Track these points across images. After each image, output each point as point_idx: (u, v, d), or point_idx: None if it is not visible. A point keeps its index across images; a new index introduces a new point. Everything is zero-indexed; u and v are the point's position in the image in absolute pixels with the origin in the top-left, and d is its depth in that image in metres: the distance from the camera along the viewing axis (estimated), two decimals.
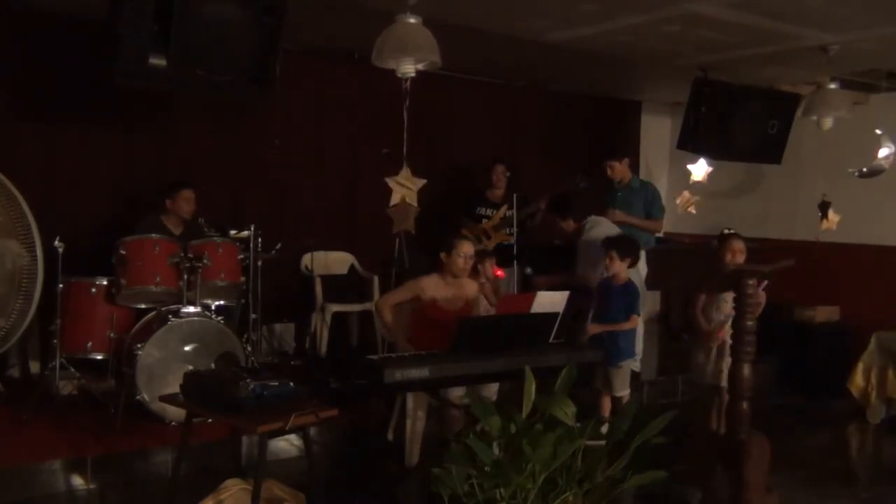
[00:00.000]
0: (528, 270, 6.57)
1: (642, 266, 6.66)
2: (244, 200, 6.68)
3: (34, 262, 5.10)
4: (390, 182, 4.05)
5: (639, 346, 6.88)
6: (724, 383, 5.23)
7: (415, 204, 4.04)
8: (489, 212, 7.02)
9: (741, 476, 3.93)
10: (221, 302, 5.64)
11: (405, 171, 4.06)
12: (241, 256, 5.62)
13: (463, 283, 4.97)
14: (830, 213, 6.48)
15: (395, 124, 4.48)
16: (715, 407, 5.34)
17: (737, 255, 5.24)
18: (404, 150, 4.22)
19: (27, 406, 5.11)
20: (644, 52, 6.25)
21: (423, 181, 4.08)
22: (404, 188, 4.02)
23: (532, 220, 6.98)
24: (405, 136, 4.18)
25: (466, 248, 4.88)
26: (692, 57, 6.30)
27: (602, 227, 5.84)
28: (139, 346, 4.91)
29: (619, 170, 6.81)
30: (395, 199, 4.03)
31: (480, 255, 5.59)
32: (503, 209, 6.90)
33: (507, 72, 7.65)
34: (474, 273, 5.24)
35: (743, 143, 6.75)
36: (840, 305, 7.54)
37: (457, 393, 4.60)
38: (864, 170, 6.68)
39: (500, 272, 5.56)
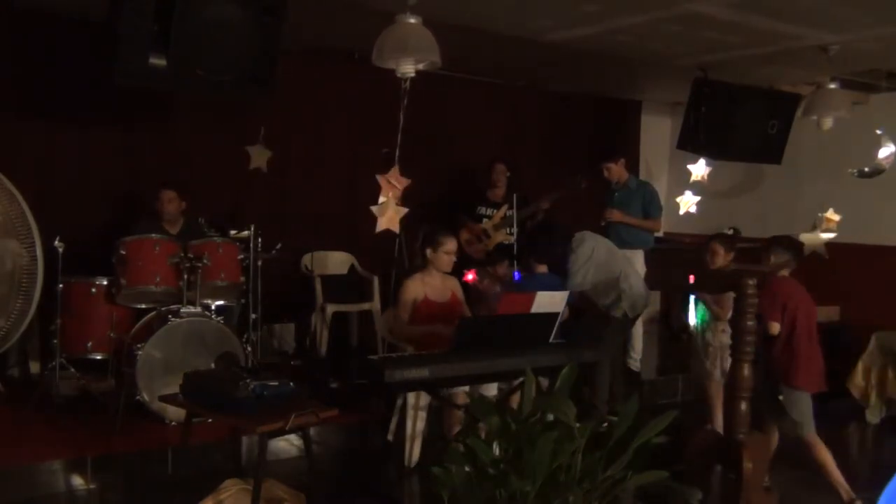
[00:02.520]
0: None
1: (640, 266, 6.68)
2: (244, 200, 6.68)
3: (34, 262, 5.10)
4: (381, 180, 4.05)
5: (638, 345, 6.90)
6: (715, 380, 5.23)
7: (398, 203, 4.04)
8: (489, 211, 7.02)
9: (741, 476, 3.93)
10: (221, 302, 5.64)
11: (394, 171, 4.06)
12: (241, 256, 5.61)
13: (445, 276, 5.01)
14: (829, 213, 6.45)
15: (395, 124, 4.49)
16: (711, 406, 5.33)
17: (714, 257, 5.25)
18: (397, 149, 4.23)
19: (27, 406, 5.11)
20: (644, 52, 6.25)
21: (408, 181, 4.08)
22: (392, 187, 4.02)
23: (532, 221, 6.98)
24: (399, 135, 4.19)
25: (451, 245, 4.91)
26: (692, 57, 6.30)
27: (588, 242, 5.83)
28: (139, 346, 4.91)
29: (615, 171, 6.83)
30: (382, 197, 4.04)
31: (490, 258, 5.60)
32: (503, 209, 6.90)
33: (507, 72, 7.65)
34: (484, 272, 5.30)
35: (743, 143, 6.75)
36: (840, 305, 7.54)
37: (461, 392, 4.60)
38: (864, 170, 6.67)
39: (470, 277, 5.58)
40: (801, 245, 4.95)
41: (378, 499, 4.60)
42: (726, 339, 5.11)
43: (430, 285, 4.93)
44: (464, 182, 7.60)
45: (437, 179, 7.34)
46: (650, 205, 6.76)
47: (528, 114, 8.31)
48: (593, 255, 5.54)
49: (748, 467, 3.94)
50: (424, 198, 7.00)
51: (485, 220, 7.00)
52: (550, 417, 2.97)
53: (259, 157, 6.37)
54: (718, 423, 5.16)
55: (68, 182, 6.10)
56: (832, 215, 6.33)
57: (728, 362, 5.01)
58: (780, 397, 4.49)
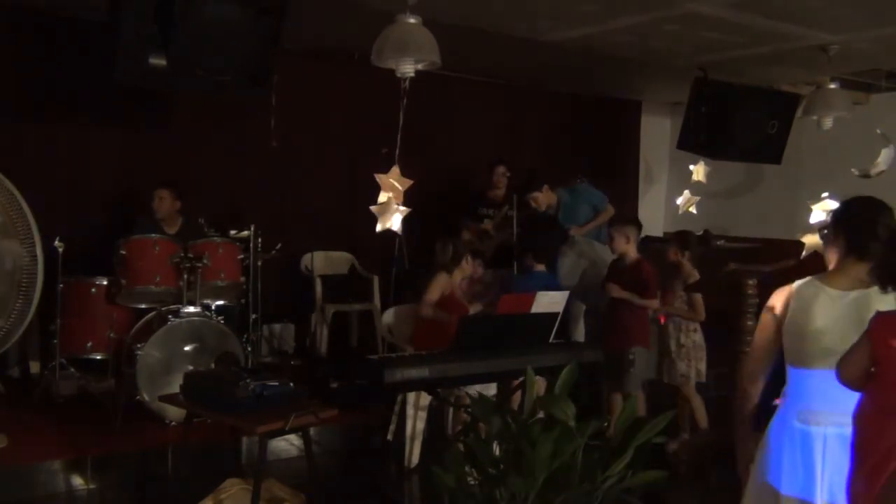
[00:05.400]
0: None
1: None
2: (244, 200, 6.67)
3: (34, 262, 5.09)
4: (380, 180, 4.05)
5: None
6: (691, 382, 5.21)
7: (399, 204, 4.04)
8: (491, 212, 7.00)
9: (741, 476, 3.92)
10: (221, 302, 5.64)
11: (394, 170, 4.06)
12: (241, 256, 5.62)
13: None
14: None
15: (395, 124, 4.48)
16: (693, 407, 5.27)
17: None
18: (397, 149, 4.23)
19: (27, 406, 5.11)
20: (644, 52, 6.24)
21: (410, 182, 4.08)
22: (393, 187, 4.02)
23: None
24: (399, 135, 4.18)
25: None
26: (692, 57, 6.30)
27: (577, 247, 5.95)
28: (139, 346, 4.91)
29: (542, 199, 6.51)
30: (381, 197, 4.03)
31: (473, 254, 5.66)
32: (504, 209, 6.88)
33: (507, 72, 7.65)
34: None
35: (743, 143, 6.75)
36: None
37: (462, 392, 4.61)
38: (865, 170, 6.67)
39: None
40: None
41: (378, 499, 4.60)
42: (699, 338, 5.13)
43: (455, 284, 5.23)
44: (464, 182, 7.59)
45: (436, 179, 7.33)
46: (591, 199, 6.56)
47: (528, 114, 8.31)
48: (580, 259, 5.86)
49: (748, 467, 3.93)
50: (424, 198, 6.99)
51: (486, 220, 6.98)
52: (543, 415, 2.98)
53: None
54: (703, 423, 5.14)
55: (68, 182, 6.10)
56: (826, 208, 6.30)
57: (703, 363, 5.04)
58: (631, 356, 5.05)
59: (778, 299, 2.76)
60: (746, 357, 2.93)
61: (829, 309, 2.65)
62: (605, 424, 3.08)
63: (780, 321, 2.75)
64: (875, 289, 2.60)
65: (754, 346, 2.89)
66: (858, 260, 2.65)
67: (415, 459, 4.79)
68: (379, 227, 4.05)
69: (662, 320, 5.31)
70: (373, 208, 4.05)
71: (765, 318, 2.82)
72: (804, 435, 2.69)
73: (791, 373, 2.76)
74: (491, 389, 4.77)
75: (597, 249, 5.99)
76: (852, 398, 2.51)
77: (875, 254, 2.61)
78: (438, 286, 5.16)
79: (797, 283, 2.75)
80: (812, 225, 5.94)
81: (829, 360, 2.55)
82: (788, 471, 2.73)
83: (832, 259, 2.75)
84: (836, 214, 2.88)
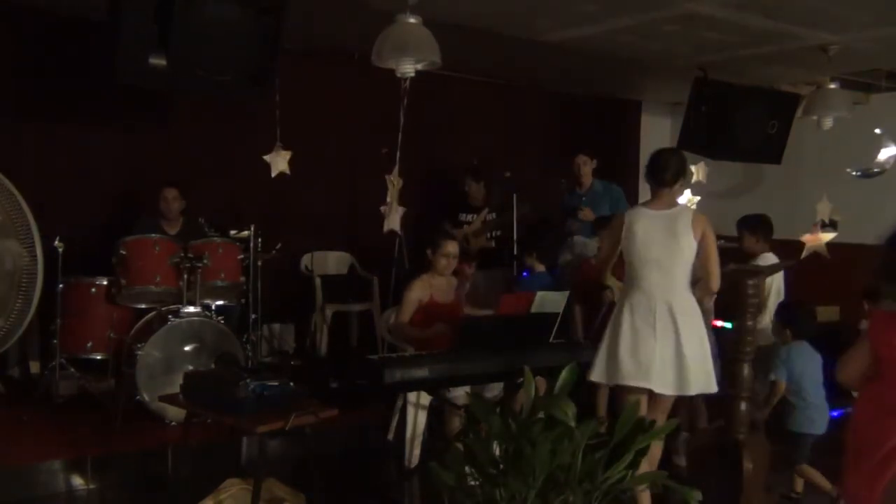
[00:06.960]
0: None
1: None
2: (244, 200, 6.67)
3: (34, 262, 5.09)
4: (388, 180, 4.08)
5: None
6: None
7: (396, 203, 4.07)
8: (471, 217, 6.91)
9: (741, 476, 3.93)
10: (221, 302, 5.64)
11: (395, 171, 4.09)
12: (241, 256, 5.62)
13: (449, 276, 5.09)
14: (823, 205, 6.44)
15: (395, 124, 4.48)
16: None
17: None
18: (398, 149, 4.23)
19: (27, 406, 5.11)
20: (644, 52, 6.25)
21: (401, 181, 4.10)
22: (395, 187, 4.06)
23: (527, 220, 6.90)
24: (399, 135, 4.19)
25: (448, 248, 4.97)
26: (692, 57, 6.30)
27: (577, 246, 5.99)
28: (139, 346, 4.91)
29: (586, 170, 6.55)
30: (388, 197, 4.07)
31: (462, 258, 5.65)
32: (483, 214, 6.82)
33: (507, 72, 7.65)
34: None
35: (743, 143, 6.75)
36: (840, 305, 7.52)
37: (460, 392, 4.60)
38: (864, 170, 6.67)
39: None
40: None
41: (378, 499, 4.61)
42: None
43: (436, 286, 4.97)
44: (464, 182, 7.57)
45: (436, 180, 7.34)
46: (618, 203, 6.60)
47: (529, 114, 8.30)
48: (574, 260, 5.94)
49: (748, 467, 3.93)
50: (425, 198, 6.99)
51: (465, 226, 6.88)
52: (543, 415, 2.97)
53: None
54: (702, 423, 5.11)
55: (68, 182, 6.09)
56: (826, 208, 6.31)
57: None
58: None
59: (616, 226, 3.99)
60: (598, 262, 4.46)
61: (651, 224, 3.87)
62: (606, 425, 3.08)
63: (617, 239, 3.94)
64: (682, 206, 4.00)
65: (603, 259, 4.26)
66: (661, 187, 3.94)
67: (415, 459, 4.79)
68: (385, 228, 4.07)
69: None
70: (382, 209, 4.07)
71: (607, 239, 4.16)
72: (637, 322, 3.76)
73: (634, 273, 3.85)
74: (496, 389, 4.78)
75: (595, 251, 6.01)
76: (674, 283, 3.79)
77: (670, 182, 3.92)
78: (413, 298, 4.88)
79: (626, 212, 4.04)
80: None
81: (655, 261, 3.80)
82: (629, 362, 3.77)
83: (652, 193, 4.01)
84: (646, 167, 4.07)
